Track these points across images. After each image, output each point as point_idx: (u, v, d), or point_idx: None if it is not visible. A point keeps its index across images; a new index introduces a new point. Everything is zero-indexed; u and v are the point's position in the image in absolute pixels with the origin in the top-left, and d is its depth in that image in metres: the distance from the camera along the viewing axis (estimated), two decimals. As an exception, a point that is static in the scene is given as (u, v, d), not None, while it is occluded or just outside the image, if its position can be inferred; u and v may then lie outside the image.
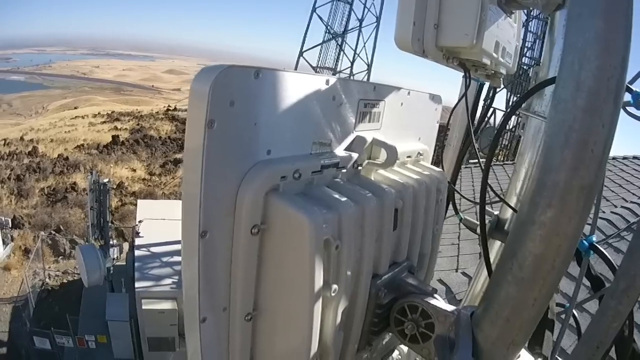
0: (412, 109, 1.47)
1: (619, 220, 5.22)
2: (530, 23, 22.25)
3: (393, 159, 1.25)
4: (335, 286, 1.02)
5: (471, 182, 9.22)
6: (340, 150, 1.16)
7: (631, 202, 5.97)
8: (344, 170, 1.15)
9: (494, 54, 1.80)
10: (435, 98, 1.61)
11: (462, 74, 1.82)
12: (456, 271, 4.80)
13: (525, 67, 21.98)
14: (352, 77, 17.93)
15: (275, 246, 0.98)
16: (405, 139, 1.46)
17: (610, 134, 0.87)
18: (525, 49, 22.54)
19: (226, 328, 1.05)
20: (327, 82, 1.07)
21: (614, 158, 9.54)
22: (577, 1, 0.89)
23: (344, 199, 1.03)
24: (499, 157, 18.90)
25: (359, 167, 1.21)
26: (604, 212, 5.30)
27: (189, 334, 1.02)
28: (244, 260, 0.97)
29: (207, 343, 1.02)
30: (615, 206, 5.81)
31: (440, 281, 4.43)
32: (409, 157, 1.44)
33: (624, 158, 9.91)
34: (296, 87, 0.98)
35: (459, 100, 2.16)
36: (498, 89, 2.31)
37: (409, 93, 1.44)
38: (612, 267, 1.56)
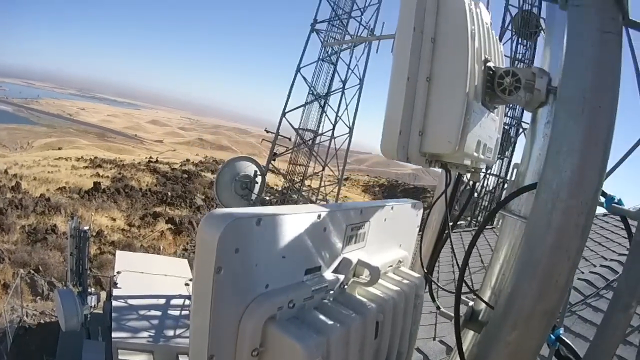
0: (394, 221, 1.60)
1: (598, 279, 5.18)
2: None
3: (375, 279, 1.37)
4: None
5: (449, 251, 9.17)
6: (328, 274, 1.28)
7: (611, 259, 5.91)
8: (332, 292, 1.27)
9: (475, 154, 1.86)
10: (416, 205, 1.74)
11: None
12: (434, 339, 4.84)
13: (506, 127, 22.30)
14: (333, 140, 18.00)
15: (273, 367, 1.08)
16: (387, 249, 1.59)
17: (575, 262, 0.99)
18: (507, 109, 22.91)
19: None
20: (319, 216, 1.19)
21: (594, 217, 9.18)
22: (558, 136, 1.00)
23: (331, 322, 1.15)
24: (479, 218, 19.06)
25: (345, 287, 1.33)
26: (582, 272, 5.30)
27: None
28: (245, 378, 1.07)
29: None
30: (595, 265, 5.78)
31: (419, 350, 4.45)
32: (390, 266, 1.56)
33: (604, 215, 9.50)
34: (292, 226, 1.11)
35: (439, 197, 2.30)
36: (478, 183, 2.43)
37: (392, 208, 1.57)
38: (577, 356, 1.69)
